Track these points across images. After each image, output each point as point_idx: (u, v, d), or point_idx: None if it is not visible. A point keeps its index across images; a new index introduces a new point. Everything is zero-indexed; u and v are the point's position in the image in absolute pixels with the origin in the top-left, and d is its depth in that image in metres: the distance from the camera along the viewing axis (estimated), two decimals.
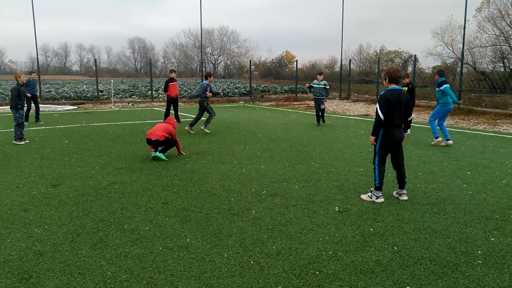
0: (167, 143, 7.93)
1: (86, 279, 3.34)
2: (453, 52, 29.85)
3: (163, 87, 16.77)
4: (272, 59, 64.61)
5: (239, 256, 3.74)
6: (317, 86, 13.12)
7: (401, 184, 5.40)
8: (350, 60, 28.15)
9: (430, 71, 27.76)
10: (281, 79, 49.56)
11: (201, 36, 33.44)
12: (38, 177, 6.56)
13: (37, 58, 24.25)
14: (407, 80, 12.43)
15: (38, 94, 13.96)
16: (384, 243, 4.03)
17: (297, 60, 29.49)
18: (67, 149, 8.96)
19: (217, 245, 3.99)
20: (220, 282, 3.29)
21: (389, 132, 5.20)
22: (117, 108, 20.03)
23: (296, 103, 23.58)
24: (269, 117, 15.73)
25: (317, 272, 3.44)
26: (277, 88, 33.86)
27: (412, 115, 5.43)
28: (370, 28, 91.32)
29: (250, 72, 29.33)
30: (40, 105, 14.79)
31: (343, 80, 27.05)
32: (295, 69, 31.86)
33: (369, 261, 3.64)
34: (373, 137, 5.31)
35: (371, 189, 5.45)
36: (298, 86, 28.05)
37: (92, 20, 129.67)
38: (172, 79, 14.20)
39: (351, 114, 17.30)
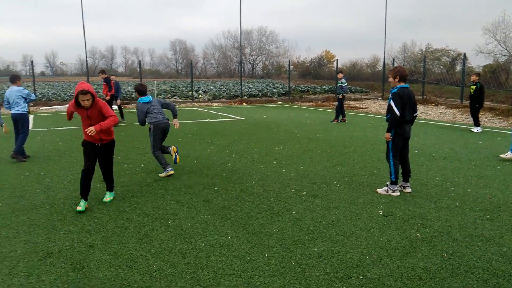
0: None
1: (133, 271, 3.45)
2: (506, 49, 28.37)
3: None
4: (311, 59, 64.02)
5: (280, 256, 3.74)
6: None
7: (406, 177, 5.77)
8: (393, 59, 27.37)
9: (481, 70, 26.48)
10: (320, 79, 48.99)
11: (240, 37, 33.71)
12: None
13: (86, 61, 25.32)
14: (475, 78, 11.81)
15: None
16: (432, 249, 3.89)
17: (337, 60, 29.13)
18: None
19: (257, 244, 4.01)
20: (262, 281, 3.30)
21: (402, 128, 5.54)
22: None
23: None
24: (308, 118, 15.61)
25: (361, 277, 3.38)
26: (316, 88, 33.53)
27: (417, 111, 5.75)
28: (414, 25, 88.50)
29: (289, 72, 29.23)
30: None
31: (386, 80, 26.39)
32: (335, 68, 31.43)
33: (416, 268, 3.52)
34: (389, 134, 5.58)
35: (387, 183, 5.72)
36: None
37: (136, 23, 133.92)
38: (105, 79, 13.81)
39: None
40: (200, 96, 27.13)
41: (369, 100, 25.40)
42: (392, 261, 3.66)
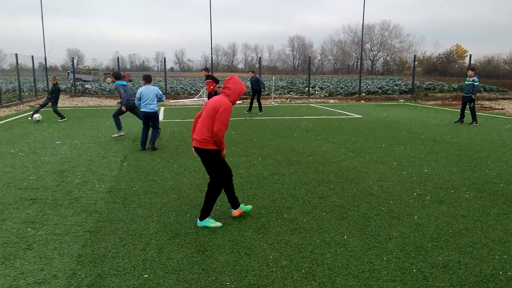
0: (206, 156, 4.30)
1: (251, 259, 3.61)
2: None
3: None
4: (439, 54, 59.29)
5: (400, 262, 3.55)
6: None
7: None
8: None
9: None
10: (449, 76, 45.01)
11: (362, 31, 32.63)
12: None
13: (211, 58, 27.20)
14: None
15: (261, 90, 16.14)
16: None
17: (470, 55, 26.35)
18: (234, 139, 9.81)
19: (375, 246, 3.86)
20: (380, 285, 3.17)
21: None
22: (276, 104, 21.04)
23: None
24: (434, 118, 14.47)
25: None
26: (444, 85, 30.88)
27: None
28: None
29: (414, 68, 27.36)
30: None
31: None
32: (466, 65, 28.53)
33: None
34: None
35: None
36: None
37: (257, 20, 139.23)
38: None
39: None
40: (316, 92, 27.05)
41: (507, 101, 22.56)
42: None
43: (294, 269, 3.43)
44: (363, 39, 34.23)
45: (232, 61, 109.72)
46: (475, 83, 12.57)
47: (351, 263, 3.53)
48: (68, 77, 41.22)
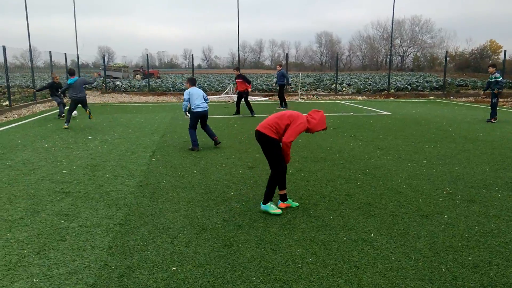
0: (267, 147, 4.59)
1: (277, 255, 3.63)
2: None
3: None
4: (472, 50, 57.44)
5: (428, 261, 3.48)
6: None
7: None
8: None
9: None
10: (482, 72, 43.54)
11: (392, 26, 32.00)
12: (236, 159, 7.40)
13: (238, 55, 27.28)
14: None
15: (285, 85, 16.49)
16: None
17: (505, 51, 25.37)
18: None
19: (403, 245, 3.80)
20: (407, 284, 3.12)
21: None
22: (303, 100, 20.93)
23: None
24: (466, 115, 14.05)
25: None
26: (477, 82, 29.93)
27: None
28: None
29: (445, 64, 26.63)
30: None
31: None
32: (501, 61, 27.54)
33: None
34: None
35: None
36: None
37: (284, 17, 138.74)
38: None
39: None
40: (343, 89, 26.74)
41: None
42: None
43: (320, 265, 3.43)
44: (393, 35, 33.53)
45: (258, 57, 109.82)
46: (498, 79, 12.17)
47: (378, 261, 3.49)
48: (99, 74, 42.34)
